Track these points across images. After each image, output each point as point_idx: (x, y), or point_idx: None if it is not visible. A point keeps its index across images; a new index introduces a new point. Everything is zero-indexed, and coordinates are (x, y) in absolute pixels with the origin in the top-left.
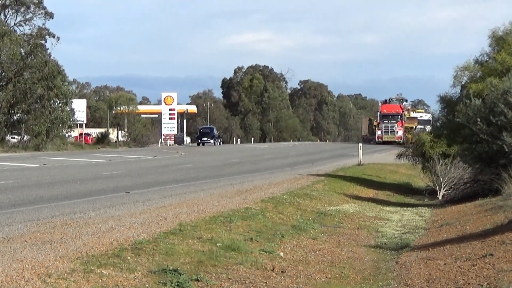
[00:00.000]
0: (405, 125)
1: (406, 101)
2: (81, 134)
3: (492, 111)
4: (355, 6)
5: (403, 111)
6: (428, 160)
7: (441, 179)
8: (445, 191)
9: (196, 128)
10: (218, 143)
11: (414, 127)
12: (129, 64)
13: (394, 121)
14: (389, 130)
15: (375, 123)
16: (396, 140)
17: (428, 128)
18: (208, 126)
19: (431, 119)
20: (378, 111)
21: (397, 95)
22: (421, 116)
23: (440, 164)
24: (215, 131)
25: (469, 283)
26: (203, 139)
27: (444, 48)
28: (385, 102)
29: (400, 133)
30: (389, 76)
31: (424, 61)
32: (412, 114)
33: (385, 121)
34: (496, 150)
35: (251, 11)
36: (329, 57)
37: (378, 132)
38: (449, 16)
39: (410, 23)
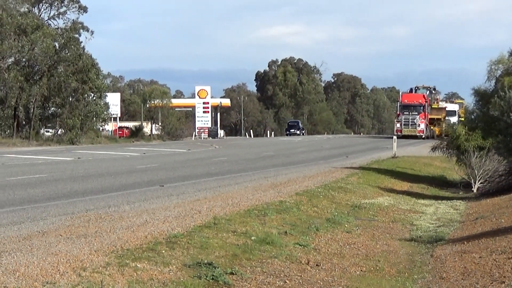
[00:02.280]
0: (431, 116)
1: (435, 89)
2: (120, 128)
3: None
4: None
5: (426, 101)
6: (463, 153)
7: (476, 171)
8: (480, 184)
9: (230, 121)
10: (302, 134)
11: (442, 118)
12: (161, 57)
13: (416, 113)
14: (410, 123)
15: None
16: (418, 134)
17: (454, 119)
18: (295, 120)
19: (457, 109)
20: (398, 101)
21: (423, 85)
22: (445, 107)
23: (475, 156)
24: (300, 124)
25: (504, 276)
26: (291, 130)
27: (475, 40)
28: (410, 91)
29: (422, 126)
30: (421, 69)
31: (455, 53)
32: (443, 104)
33: (405, 113)
34: None
35: (282, 3)
36: (360, 49)
37: (397, 125)
38: (480, 7)
39: (440, 14)
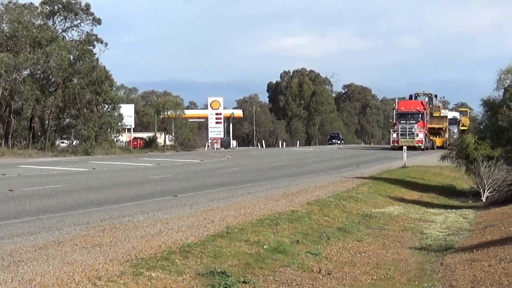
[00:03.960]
0: (431, 125)
1: (436, 97)
2: (134, 138)
3: None
4: (395, 9)
5: (425, 109)
6: (472, 162)
7: (484, 181)
8: (489, 193)
9: (242, 132)
10: (342, 143)
11: (444, 128)
12: (174, 69)
13: (414, 121)
14: (407, 133)
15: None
16: (416, 144)
17: (454, 128)
18: (335, 131)
19: (458, 117)
20: (394, 108)
21: (423, 91)
22: (447, 116)
23: (484, 166)
24: (340, 135)
25: None
26: (332, 140)
27: (484, 50)
28: (410, 97)
29: (421, 136)
30: (431, 79)
31: (465, 63)
32: (445, 113)
33: (402, 121)
34: None
35: (292, 14)
36: (370, 60)
37: (393, 135)
38: (490, 18)
39: (449, 25)
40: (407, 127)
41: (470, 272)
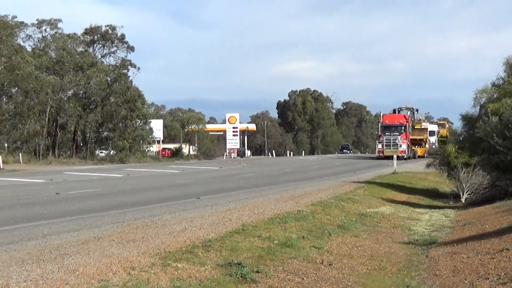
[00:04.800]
0: (413, 137)
1: (417, 110)
2: (162, 149)
3: (507, 127)
4: (386, 38)
5: (407, 122)
6: (452, 169)
7: (464, 185)
8: (467, 195)
9: (256, 143)
10: (350, 153)
11: (424, 139)
12: (197, 89)
13: (397, 133)
14: (391, 144)
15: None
16: (399, 154)
17: (433, 139)
18: (345, 143)
19: (436, 130)
20: (379, 122)
21: (405, 106)
22: (427, 128)
23: (463, 172)
24: (349, 146)
25: (489, 273)
26: (343, 150)
27: (463, 73)
28: (393, 111)
29: (404, 146)
30: (416, 97)
31: (446, 84)
32: (425, 125)
33: (386, 133)
34: (511, 160)
35: (298, 43)
36: (365, 81)
37: (379, 146)
38: (467, 46)
39: (432, 52)
40: (391, 138)
41: (451, 263)
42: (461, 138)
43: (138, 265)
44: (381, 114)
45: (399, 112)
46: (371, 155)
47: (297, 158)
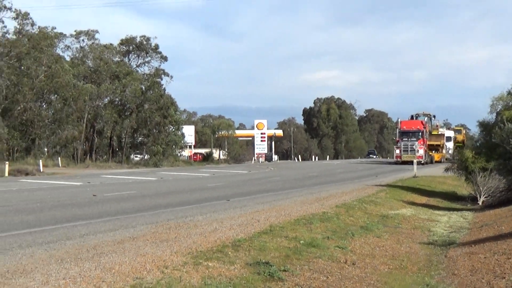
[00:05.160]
0: (430, 142)
1: (434, 117)
2: (194, 153)
3: None
4: (406, 49)
5: (424, 128)
6: (470, 173)
7: (480, 188)
8: (484, 198)
9: (283, 148)
10: (376, 157)
11: (441, 144)
12: (227, 96)
13: (415, 139)
14: (409, 149)
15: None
16: (417, 160)
17: (450, 144)
18: (372, 149)
19: (452, 135)
20: (397, 127)
21: (423, 112)
22: (444, 134)
23: (480, 176)
24: (375, 152)
25: (505, 273)
26: (370, 155)
27: (479, 81)
28: (411, 117)
29: (421, 151)
30: (435, 105)
31: (463, 92)
32: (442, 131)
33: (404, 139)
34: None
35: (323, 53)
36: (386, 89)
37: (397, 151)
38: (483, 56)
39: (451, 61)
40: (409, 144)
41: (469, 263)
42: (478, 144)
43: (171, 264)
44: (399, 120)
45: (416, 118)
46: (391, 160)
47: (321, 163)
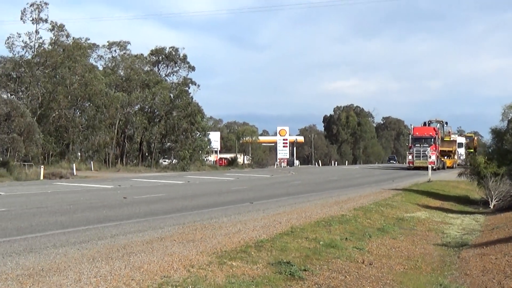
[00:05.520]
0: (443, 148)
1: (447, 123)
2: (219, 158)
3: None
4: (422, 59)
5: (437, 134)
6: (482, 178)
7: (492, 192)
8: (495, 202)
9: (304, 154)
10: (396, 163)
11: (453, 151)
12: (250, 104)
13: (427, 145)
14: (421, 155)
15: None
16: (429, 165)
17: (461, 151)
18: (392, 155)
19: (464, 142)
20: (410, 134)
21: (435, 119)
22: (456, 140)
23: (491, 181)
24: (395, 157)
25: None
26: (391, 161)
27: (492, 91)
28: (424, 124)
29: (433, 157)
30: (449, 113)
31: (476, 100)
32: (454, 137)
33: (416, 145)
34: None
35: (342, 63)
36: (403, 98)
37: (409, 157)
38: (496, 66)
39: (465, 71)
40: (421, 150)
41: (481, 264)
42: (490, 150)
43: (196, 263)
44: (412, 126)
45: (429, 124)
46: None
47: (341, 168)
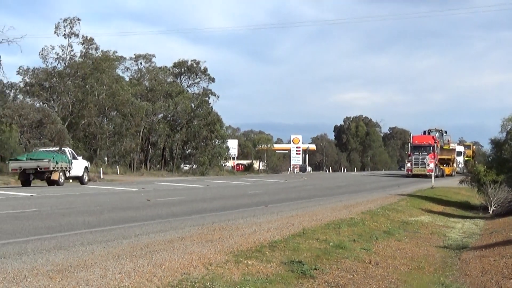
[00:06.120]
0: (442, 157)
1: (446, 132)
2: (237, 164)
3: None
4: (427, 74)
5: (435, 142)
6: (482, 185)
7: (491, 198)
8: (494, 207)
9: (315, 161)
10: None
11: (452, 159)
12: (266, 114)
13: (426, 153)
14: (420, 163)
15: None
16: (427, 173)
17: (460, 159)
18: (403, 163)
19: (462, 150)
20: (409, 142)
21: (435, 128)
22: (455, 149)
23: (491, 188)
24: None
25: None
26: (401, 168)
27: (491, 103)
28: (424, 133)
29: (432, 165)
30: (451, 124)
31: (477, 112)
32: (453, 146)
33: (415, 153)
34: None
35: (352, 77)
36: (408, 109)
37: (408, 165)
38: (495, 80)
39: (466, 85)
40: (420, 157)
41: (480, 265)
42: (489, 159)
43: (214, 261)
44: (411, 135)
45: (429, 133)
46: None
47: (350, 174)
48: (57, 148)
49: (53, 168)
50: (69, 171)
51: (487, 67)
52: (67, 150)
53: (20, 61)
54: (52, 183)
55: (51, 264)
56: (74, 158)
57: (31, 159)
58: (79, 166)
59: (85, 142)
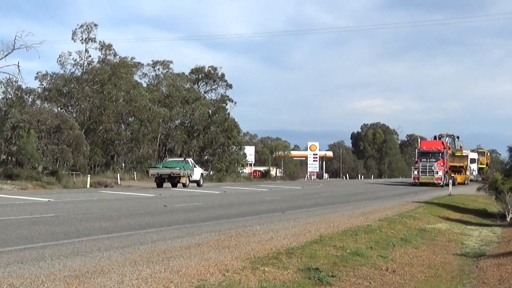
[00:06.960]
0: (453, 164)
1: (458, 138)
2: (254, 171)
3: None
4: (443, 81)
5: (445, 148)
6: (500, 193)
7: (509, 206)
8: None
9: (332, 168)
10: None
11: (465, 166)
12: (283, 121)
13: (434, 160)
14: (427, 170)
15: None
16: (435, 181)
17: (474, 166)
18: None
19: (476, 157)
20: (416, 148)
21: (446, 133)
22: (468, 155)
23: (508, 195)
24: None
25: None
26: (415, 173)
27: (508, 111)
28: (434, 138)
29: (440, 173)
30: (469, 131)
31: (494, 120)
32: (466, 152)
33: (423, 160)
34: None
35: (368, 84)
36: (425, 116)
37: (415, 172)
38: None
39: (483, 92)
40: (427, 165)
41: (498, 273)
42: (507, 167)
43: (231, 268)
44: (419, 140)
45: (439, 138)
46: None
47: (367, 181)
48: (182, 159)
49: (182, 174)
50: (191, 176)
51: (504, 75)
52: (189, 160)
53: (38, 67)
54: (176, 185)
55: (68, 269)
56: (194, 166)
57: (166, 167)
58: (197, 172)
59: (103, 148)
